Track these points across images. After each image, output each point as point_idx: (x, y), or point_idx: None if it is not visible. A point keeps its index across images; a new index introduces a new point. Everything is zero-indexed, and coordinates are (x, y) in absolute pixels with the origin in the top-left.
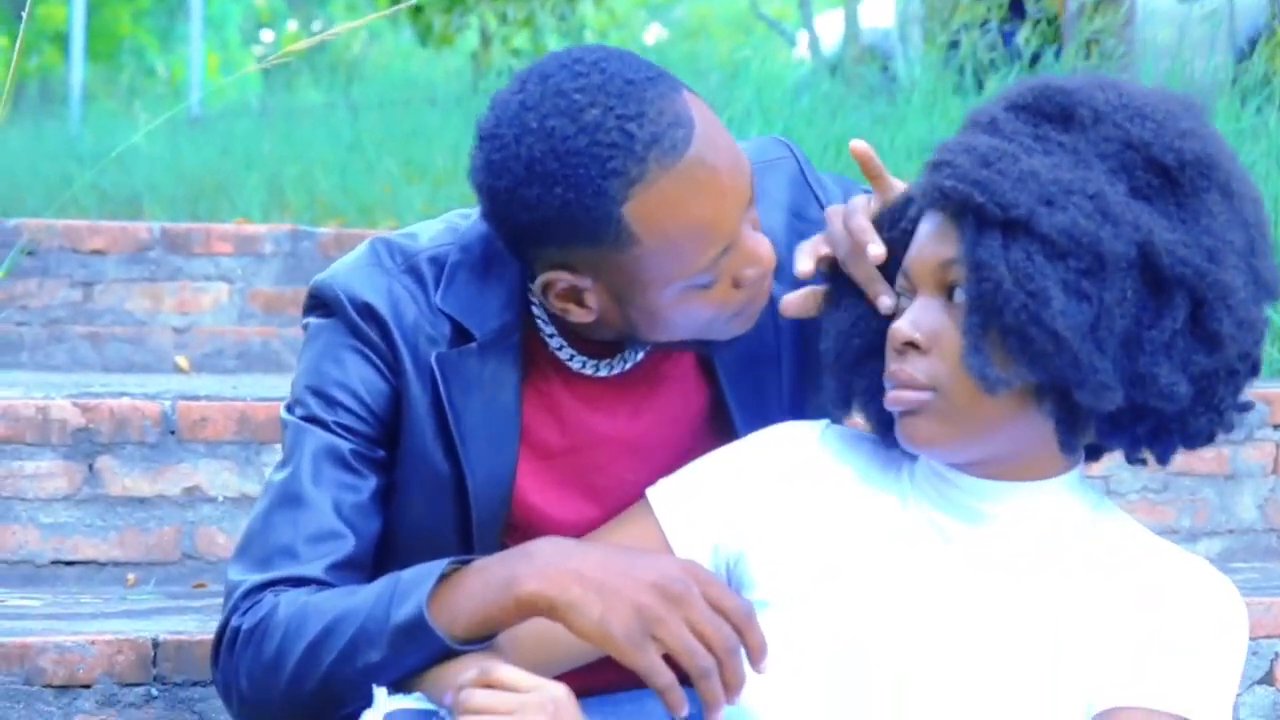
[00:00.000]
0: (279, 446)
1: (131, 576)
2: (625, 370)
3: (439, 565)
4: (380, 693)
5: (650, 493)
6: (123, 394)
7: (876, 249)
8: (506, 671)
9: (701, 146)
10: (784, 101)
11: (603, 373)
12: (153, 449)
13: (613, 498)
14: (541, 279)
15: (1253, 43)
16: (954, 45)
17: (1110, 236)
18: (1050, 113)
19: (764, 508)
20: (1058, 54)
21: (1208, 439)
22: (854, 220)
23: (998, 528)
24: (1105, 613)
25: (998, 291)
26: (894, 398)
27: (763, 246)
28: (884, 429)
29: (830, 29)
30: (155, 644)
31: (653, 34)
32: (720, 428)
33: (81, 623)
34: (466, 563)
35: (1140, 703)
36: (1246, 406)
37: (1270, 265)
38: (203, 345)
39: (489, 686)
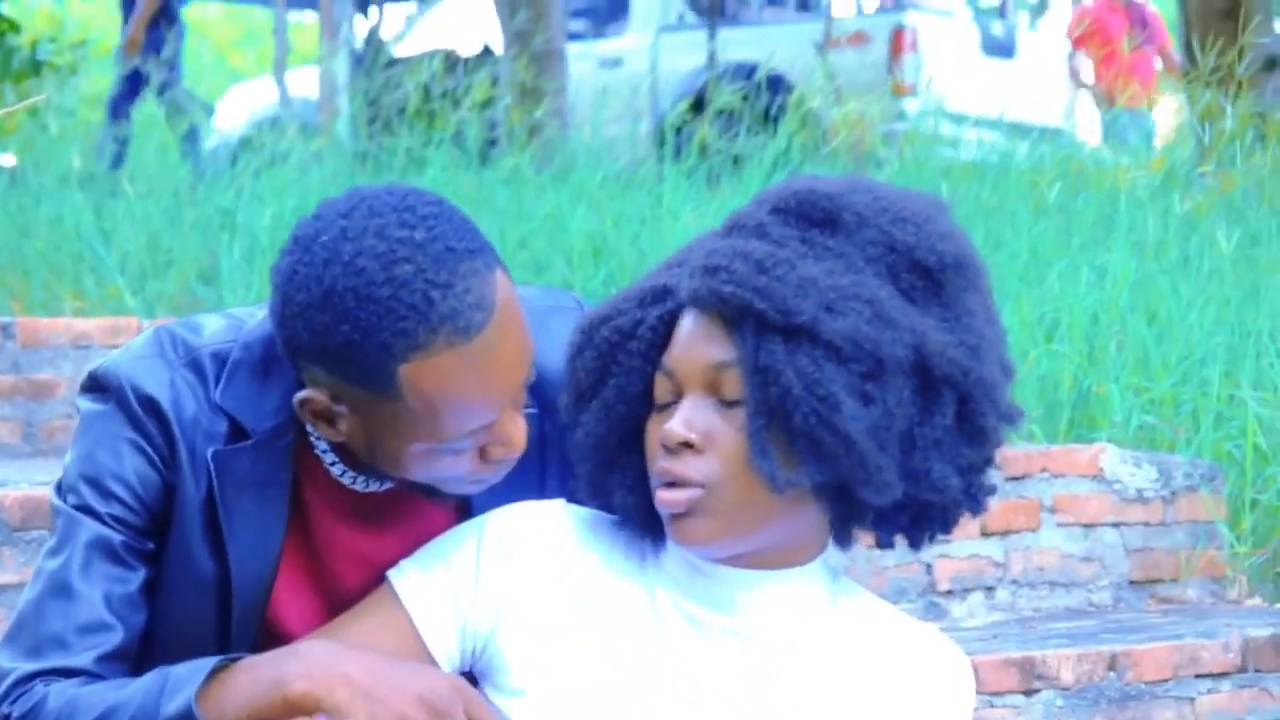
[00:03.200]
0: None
1: None
2: (383, 489)
3: (209, 662)
4: None
5: (392, 575)
6: None
7: None
8: None
9: (493, 334)
10: (292, 179)
11: (359, 487)
12: None
13: (340, 604)
14: (302, 394)
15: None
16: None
17: (889, 341)
18: (815, 218)
19: (510, 586)
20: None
21: (955, 523)
22: None
23: (751, 615)
24: (853, 688)
25: (786, 396)
26: (667, 499)
27: (518, 432)
28: (638, 520)
29: (237, 105)
30: None
31: None
32: None
33: None
34: (236, 660)
35: None
36: (993, 490)
37: (1007, 351)
38: None
39: None
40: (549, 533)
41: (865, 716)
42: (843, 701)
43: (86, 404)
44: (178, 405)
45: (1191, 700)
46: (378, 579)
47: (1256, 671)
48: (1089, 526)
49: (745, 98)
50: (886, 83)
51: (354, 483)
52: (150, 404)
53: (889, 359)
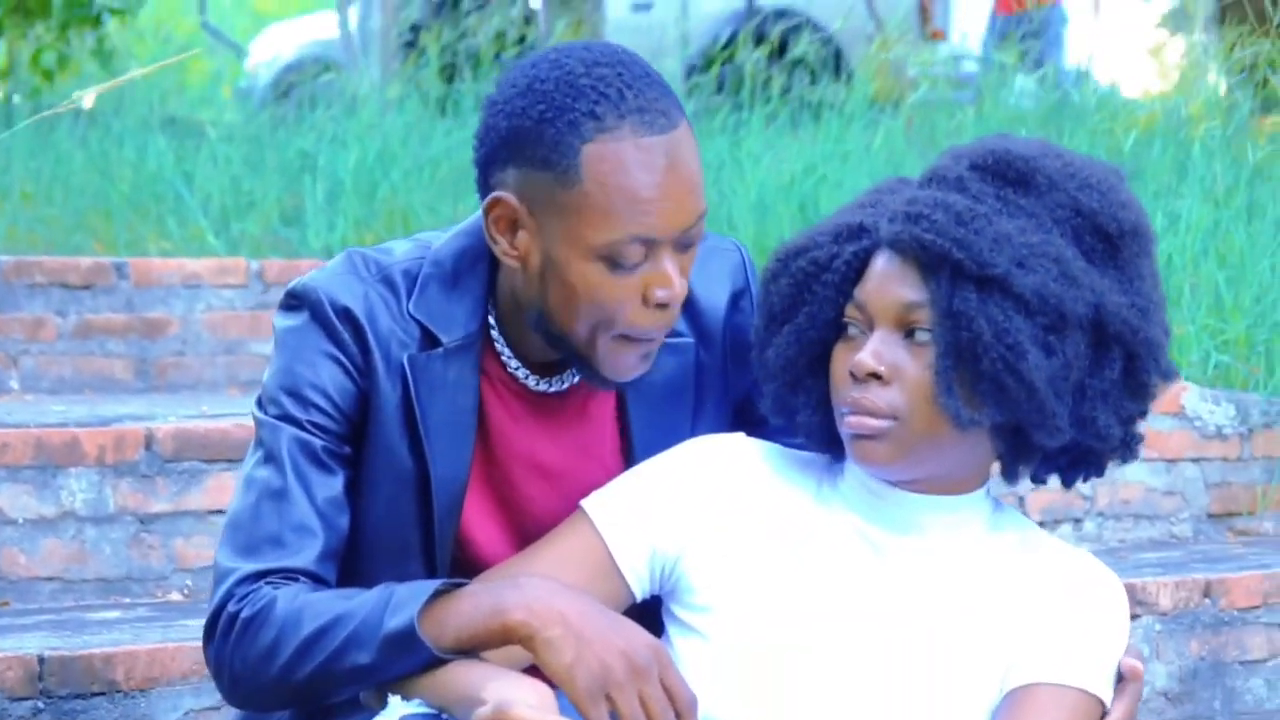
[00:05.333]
0: (73, 470)
1: None
2: (563, 390)
3: (432, 584)
4: (395, 699)
5: (586, 504)
6: None
7: None
8: (522, 710)
9: (673, 144)
10: (373, 121)
11: (541, 387)
12: None
13: (518, 514)
14: (490, 197)
15: (704, 53)
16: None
17: (1072, 298)
18: (1010, 177)
19: (697, 514)
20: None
21: (1105, 468)
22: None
23: (924, 537)
24: (1013, 605)
25: (976, 341)
26: (856, 423)
27: (679, 280)
28: (819, 441)
29: (271, 45)
30: (41, 660)
31: None
32: (627, 467)
33: None
34: (458, 585)
35: (1048, 679)
36: (1143, 440)
37: (1166, 315)
38: None
39: None
40: (731, 463)
41: (1025, 629)
42: (1011, 619)
43: (283, 320)
44: (372, 315)
45: None
46: (551, 488)
47: None
48: (1171, 462)
49: (782, 46)
50: (917, 28)
51: (527, 378)
52: (346, 314)
53: (1070, 315)
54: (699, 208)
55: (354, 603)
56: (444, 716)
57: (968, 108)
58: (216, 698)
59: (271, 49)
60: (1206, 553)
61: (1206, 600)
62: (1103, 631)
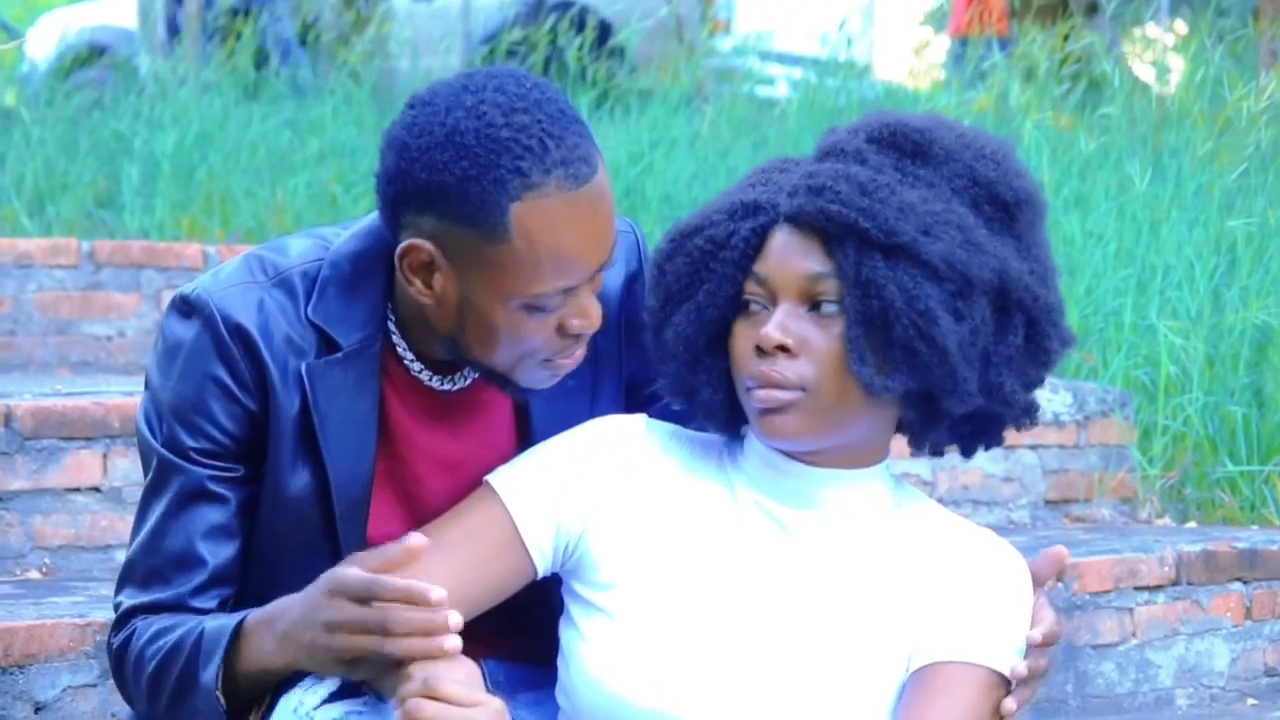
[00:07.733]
0: None
1: None
2: (464, 386)
3: (223, 643)
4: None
5: (492, 479)
6: None
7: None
8: (450, 686)
9: (595, 191)
10: (188, 105)
11: (443, 386)
12: None
13: (421, 507)
14: (406, 243)
15: (488, 40)
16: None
17: (978, 264)
18: (907, 149)
19: (599, 491)
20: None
21: (1004, 436)
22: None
23: (827, 511)
24: (919, 582)
25: (888, 309)
26: (764, 396)
27: (595, 308)
28: (719, 421)
29: (51, 31)
30: None
31: None
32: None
33: None
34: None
35: (957, 658)
36: (1039, 407)
37: (1060, 285)
38: None
39: (432, 698)
40: (634, 442)
41: (940, 611)
42: (917, 595)
43: (175, 325)
44: (266, 328)
45: (1130, 611)
46: (453, 481)
47: (1189, 584)
48: (1009, 448)
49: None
50: (699, 20)
51: (431, 380)
52: (239, 332)
53: (976, 280)
54: (615, 239)
55: (188, 639)
56: (366, 692)
57: (789, 100)
58: (94, 675)
59: (51, 35)
60: (1050, 538)
61: (1059, 585)
62: (1009, 610)
